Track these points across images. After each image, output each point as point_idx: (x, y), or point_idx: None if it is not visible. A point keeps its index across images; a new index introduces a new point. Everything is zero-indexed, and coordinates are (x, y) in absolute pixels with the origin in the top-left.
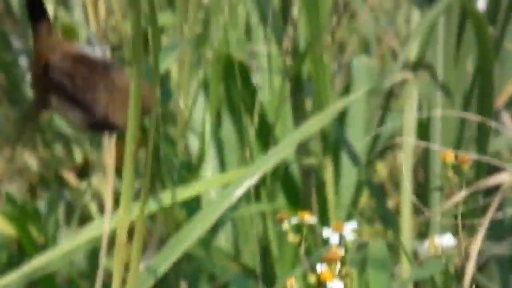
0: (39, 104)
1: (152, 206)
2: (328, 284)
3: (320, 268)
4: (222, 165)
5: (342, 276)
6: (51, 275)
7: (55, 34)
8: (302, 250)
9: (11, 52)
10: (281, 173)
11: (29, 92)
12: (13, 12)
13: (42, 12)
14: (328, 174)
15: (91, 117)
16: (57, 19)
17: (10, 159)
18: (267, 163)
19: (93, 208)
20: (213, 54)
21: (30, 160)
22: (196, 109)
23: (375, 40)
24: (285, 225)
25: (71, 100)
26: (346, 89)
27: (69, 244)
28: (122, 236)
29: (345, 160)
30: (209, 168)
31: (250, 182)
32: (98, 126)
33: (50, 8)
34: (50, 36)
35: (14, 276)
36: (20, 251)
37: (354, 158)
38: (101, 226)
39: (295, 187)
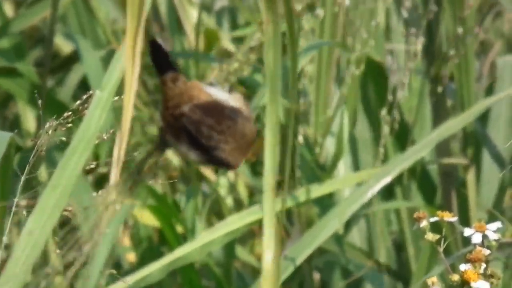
0: (161, 145)
1: (288, 202)
2: (473, 284)
3: (464, 267)
4: (356, 164)
5: (486, 276)
6: (191, 264)
7: (183, 81)
8: (441, 248)
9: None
10: (418, 173)
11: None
12: (160, 17)
13: (168, 63)
14: (470, 174)
15: (210, 158)
16: (200, 24)
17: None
18: (403, 162)
19: (229, 201)
20: (352, 55)
21: (171, 156)
22: (331, 109)
23: None
24: (423, 224)
25: (195, 144)
26: (489, 89)
27: (208, 236)
28: (271, 222)
29: (487, 160)
30: (343, 166)
31: (385, 180)
32: (214, 162)
33: (193, 13)
34: (178, 84)
35: (157, 265)
36: (161, 242)
37: (497, 159)
38: (237, 220)
39: (432, 187)
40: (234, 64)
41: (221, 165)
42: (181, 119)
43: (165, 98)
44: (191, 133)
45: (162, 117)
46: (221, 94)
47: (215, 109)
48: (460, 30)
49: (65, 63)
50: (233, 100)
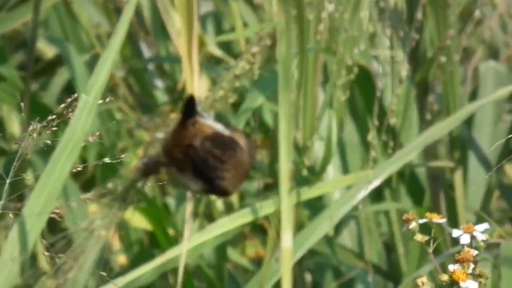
0: (146, 172)
1: (276, 205)
2: (462, 284)
3: (452, 267)
4: (345, 167)
5: (475, 276)
6: (183, 265)
7: (199, 122)
8: (430, 249)
9: (142, 60)
10: (407, 176)
11: (159, 98)
12: (144, 22)
13: (194, 111)
14: (458, 177)
15: (210, 188)
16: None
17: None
18: (392, 165)
19: (220, 204)
20: (337, 60)
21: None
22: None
23: (504, 45)
24: (412, 225)
25: (197, 174)
26: (473, 94)
27: (199, 238)
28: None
29: (473, 163)
30: (332, 169)
31: (374, 184)
32: (213, 191)
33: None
34: (195, 126)
35: (149, 266)
36: (151, 245)
37: (484, 161)
38: (228, 222)
39: (421, 189)
40: (219, 91)
41: (218, 193)
42: (190, 151)
43: (179, 137)
44: (197, 164)
45: (168, 152)
46: (223, 128)
47: (220, 141)
48: (443, 37)
49: (48, 67)
50: (233, 132)
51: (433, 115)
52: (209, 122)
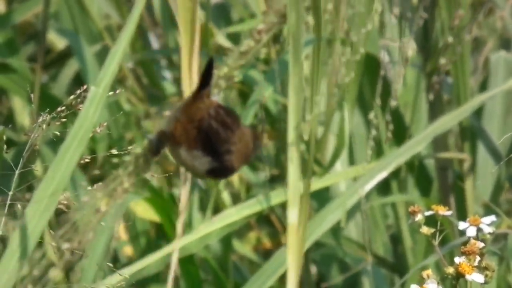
0: (155, 148)
1: (284, 196)
2: (467, 276)
3: (458, 260)
4: (352, 158)
5: (481, 269)
6: (190, 256)
7: (210, 97)
8: (436, 242)
9: (150, 51)
10: (415, 167)
11: (167, 90)
12: (153, 13)
13: (209, 81)
14: (467, 168)
15: (218, 164)
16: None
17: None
18: (400, 156)
19: (225, 195)
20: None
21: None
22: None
23: None
24: (418, 218)
25: (206, 149)
26: (483, 84)
27: (206, 228)
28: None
29: (482, 154)
30: (339, 160)
31: (382, 175)
32: (217, 171)
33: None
34: (208, 99)
35: (155, 257)
36: (158, 236)
37: (493, 152)
38: (234, 213)
39: (429, 181)
40: (224, 69)
41: (223, 170)
42: (205, 122)
43: (192, 109)
44: (210, 135)
45: (178, 125)
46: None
47: (231, 117)
48: (452, 36)
49: (58, 59)
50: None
51: (443, 106)
52: (217, 99)
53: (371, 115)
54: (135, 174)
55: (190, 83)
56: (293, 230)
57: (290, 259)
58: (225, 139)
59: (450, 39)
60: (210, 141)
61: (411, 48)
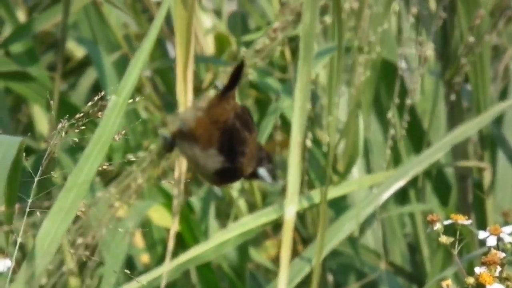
0: (169, 145)
1: (300, 204)
2: (488, 287)
3: (479, 270)
4: (368, 166)
5: (502, 279)
6: (208, 263)
7: (235, 98)
8: (455, 251)
9: (168, 60)
10: (434, 175)
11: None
12: (170, 22)
13: (237, 83)
14: (486, 177)
15: (230, 164)
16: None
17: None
18: (418, 164)
19: (242, 203)
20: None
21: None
22: (341, 110)
23: None
24: (437, 226)
25: (224, 148)
26: (504, 92)
27: (222, 236)
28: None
29: (502, 162)
30: (356, 168)
31: (400, 183)
32: (226, 172)
33: (204, 18)
34: (233, 101)
35: (172, 264)
36: (175, 244)
37: None
38: (251, 221)
39: (448, 190)
40: None
41: (233, 172)
42: (230, 120)
43: (216, 110)
44: (232, 135)
45: (200, 124)
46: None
47: (252, 122)
48: (472, 37)
49: (77, 67)
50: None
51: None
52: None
53: (388, 121)
54: (149, 169)
55: (185, 90)
56: (289, 227)
57: (283, 254)
58: (244, 141)
59: (470, 38)
60: (230, 141)
61: (429, 48)
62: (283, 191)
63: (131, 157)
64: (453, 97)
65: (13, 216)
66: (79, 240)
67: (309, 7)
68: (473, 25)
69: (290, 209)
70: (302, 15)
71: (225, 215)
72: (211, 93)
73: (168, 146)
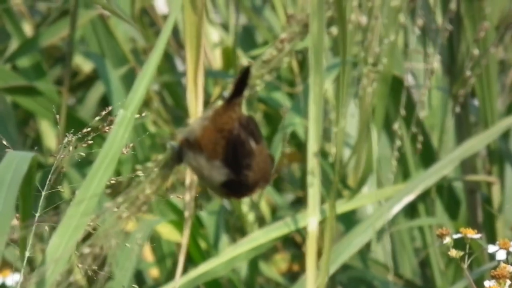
0: (177, 157)
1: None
2: None
3: (488, 284)
4: (377, 179)
5: None
6: (217, 279)
7: (240, 106)
8: (465, 265)
9: (175, 74)
10: (442, 190)
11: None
12: (178, 35)
13: (243, 90)
14: (495, 191)
15: (235, 177)
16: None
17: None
18: (427, 179)
19: (251, 217)
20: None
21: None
22: (349, 125)
23: None
24: (446, 240)
25: (227, 161)
26: (511, 107)
27: (232, 251)
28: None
29: (510, 177)
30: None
31: (409, 197)
32: (232, 185)
33: (212, 31)
34: (238, 107)
35: (182, 280)
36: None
37: None
38: (261, 236)
39: (457, 203)
40: None
41: (239, 186)
42: (234, 131)
43: (221, 118)
44: (235, 147)
45: (206, 133)
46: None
47: (258, 132)
48: (478, 49)
49: (85, 82)
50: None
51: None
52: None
53: (394, 132)
54: (157, 180)
55: (195, 100)
56: (313, 238)
57: (309, 266)
58: (249, 153)
59: (475, 51)
60: (235, 153)
61: (436, 61)
62: (292, 205)
63: (139, 167)
64: (458, 109)
65: (28, 231)
66: (86, 250)
67: (316, 18)
68: (478, 37)
69: (313, 220)
70: (310, 26)
71: (234, 228)
72: (219, 103)
73: (176, 156)
